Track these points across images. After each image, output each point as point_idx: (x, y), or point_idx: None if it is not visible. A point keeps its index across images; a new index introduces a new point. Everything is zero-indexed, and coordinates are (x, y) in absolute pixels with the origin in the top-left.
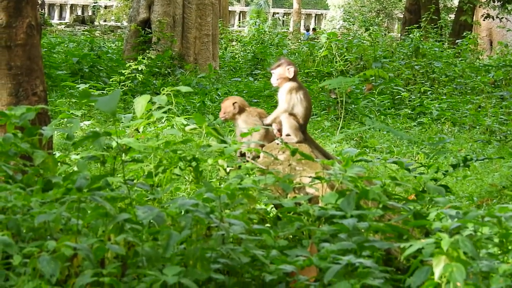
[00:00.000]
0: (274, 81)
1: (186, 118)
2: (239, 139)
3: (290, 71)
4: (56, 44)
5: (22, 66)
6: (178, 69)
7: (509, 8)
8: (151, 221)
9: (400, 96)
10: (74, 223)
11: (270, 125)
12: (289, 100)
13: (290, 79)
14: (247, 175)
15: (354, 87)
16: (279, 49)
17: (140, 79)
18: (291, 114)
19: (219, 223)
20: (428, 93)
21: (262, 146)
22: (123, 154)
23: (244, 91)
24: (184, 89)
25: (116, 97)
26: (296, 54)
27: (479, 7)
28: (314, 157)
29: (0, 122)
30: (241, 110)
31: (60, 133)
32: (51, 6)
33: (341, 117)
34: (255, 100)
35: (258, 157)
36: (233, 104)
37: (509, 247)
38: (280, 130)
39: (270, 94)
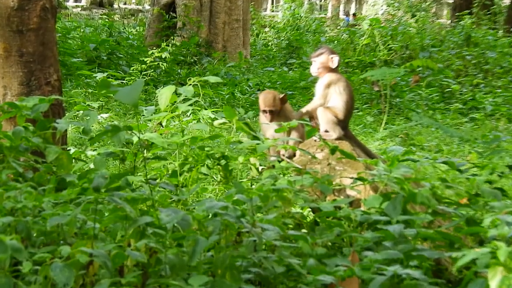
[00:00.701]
0: (314, 70)
1: (214, 111)
2: (270, 137)
3: (333, 61)
4: (72, 29)
5: (34, 53)
6: (205, 57)
7: None
8: (175, 225)
9: (450, 89)
10: (90, 227)
11: (303, 118)
12: (326, 93)
13: (331, 70)
14: (282, 175)
15: (399, 78)
16: (316, 36)
17: (163, 68)
18: (328, 108)
19: (251, 228)
20: (481, 86)
21: (299, 143)
22: (145, 151)
23: (278, 82)
24: (212, 79)
25: (138, 87)
26: (335, 42)
27: None
28: (355, 156)
29: (10, 114)
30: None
31: (75, 127)
32: None
33: (385, 112)
34: (290, 92)
35: (294, 155)
36: (280, 98)
37: None
38: (317, 126)
39: (306, 85)
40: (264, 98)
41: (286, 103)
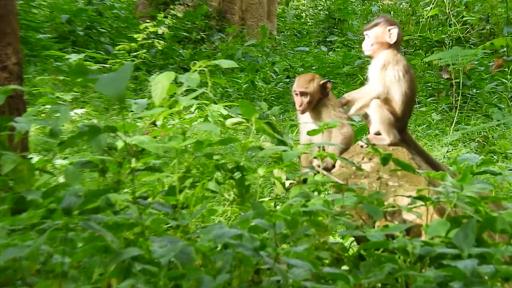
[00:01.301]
0: (367, 46)
1: (227, 106)
2: (306, 140)
3: (392, 34)
4: None
5: None
6: (217, 33)
7: None
8: (172, 260)
9: None
10: (58, 262)
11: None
12: (385, 77)
13: (390, 46)
14: (316, 193)
15: (476, 62)
16: (366, 5)
17: (160, 48)
18: (386, 100)
19: (273, 263)
20: None
21: (343, 151)
22: (134, 160)
23: (314, 67)
24: (225, 63)
25: (126, 74)
26: (392, 13)
27: None
28: (415, 167)
29: None
30: (326, 96)
31: (40, 127)
32: None
33: (456, 107)
34: (330, 80)
35: (333, 166)
36: (321, 84)
37: None
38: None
39: (352, 71)
40: (299, 78)
41: (328, 92)
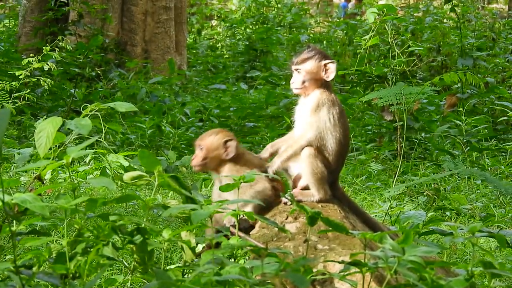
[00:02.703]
0: (297, 84)
1: (128, 156)
2: (217, 197)
3: (329, 70)
4: None
5: None
6: (115, 68)
7: None
8: None
9: (506, 118)
10: None
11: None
12: (318, 122)
13: (323, 84)
14: (232, 259)
15: (425, 101)
16: (294, 34)
17: (47, 87)
18: (317, 149)
19: None
20: None
21: (263, 210)
22: (14, 222)
23: (232, 108)
24: (123, 106)
25: (2, 121)
26: (324, 42)
27: None
28: (349, 228)
29: None
30: (236, 156)
31: None
32: None
33: (401, 155)
34: (251, 124)
35: (252, 227)
36: (226, 142)
37: None
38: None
39: (277, 112)
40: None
41: (231, 153)
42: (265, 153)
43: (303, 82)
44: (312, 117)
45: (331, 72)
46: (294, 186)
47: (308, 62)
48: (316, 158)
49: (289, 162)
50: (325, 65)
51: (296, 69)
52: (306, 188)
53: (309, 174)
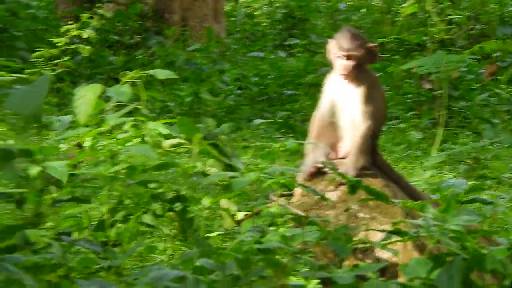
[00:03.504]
0: (346, 70)
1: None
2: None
3: (374, 54)
4: None
5: None
6: (154, 36)
7: None
8: None
9: None
10: None
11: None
12: (374, 108)
13: (367, 67)
14: (272, 227)
15: (464, 69)
16: (332, 2)
17: (85, 54)
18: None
19: None
20: None
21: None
22: (55, 189)
23: (270, 76)
24: (162, 73)
25: (41, 88)
26: (362, 10)
27: None
28: (390, 196)
29: None
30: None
31: None
32: None
33: (441, 124)
34: (289, 92)
35: (291, 194)
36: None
37: None
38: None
39: (315, 81)
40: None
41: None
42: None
43: (352, 68)
44: (367, 106)
45: (375, 55)
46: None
47: (356, 48)
48: (367, 136)
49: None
50: (370, 48)
51: (346, 55)
52: (346, 156)
53: (355, 148)
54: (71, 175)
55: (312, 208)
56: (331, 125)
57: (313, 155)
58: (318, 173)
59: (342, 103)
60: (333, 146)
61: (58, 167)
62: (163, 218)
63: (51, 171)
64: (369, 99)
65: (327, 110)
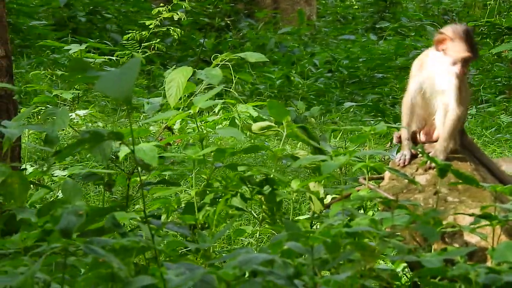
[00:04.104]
0: (463, 71)
1: (256, 107)
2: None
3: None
4: None
5: None
6: (245, 18)
7: None
8: None
9: None
10: None
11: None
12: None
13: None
14: (361, 210)
15: None
16: None
17: (176, 37)
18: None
19: None
20: None
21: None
22: (144, 172)
23: (361, 59)
24: (253, 56)
25: (132, 71)
26: None
27: None
28: (479, 180)
29: None
30: None
31: (34, 133)
32: None
33: None
34: (380, 75)
35: (380, 178)
36: None
37: None
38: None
39: (405, 64)
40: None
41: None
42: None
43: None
44: (462, 92)
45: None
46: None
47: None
48: (459, 121)
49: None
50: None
51: (468, 60)
52: (436, 139)
53: (446, 132)
54: (160, 157)
55: (401, 192)
56: (421, 109)
57: (406, 142)
58: (411, 159)
59: (437, 88)
60: (423, 129)
61: (148, 150)
62: (252, 201)
63: (141, 154)
64: (463, 85)
65: (418, 93)
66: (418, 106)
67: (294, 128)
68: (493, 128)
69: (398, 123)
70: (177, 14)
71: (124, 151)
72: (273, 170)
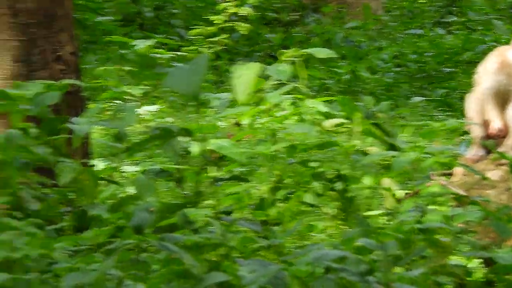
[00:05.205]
0: None
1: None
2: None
3: None
4: None
5: (36, 10)
6: (311, 13)
7: None
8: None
9: None
10: None
11: None
12: None
13: None
14: (433, 207)
15: None
16: None
17: (243, 32)
18: None
19: None
20: None
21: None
22: (215, 168)
23: (429, 53)
24: (322, 52)
25: (201, 66)
26: None
27: None
28: None
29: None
30: None
31: (103, 129)
32: None
33: None
34: (447, 70)
35: (451, 173)
36: None
37: None
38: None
39: (473, 58)
40: None
41: None
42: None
43: None
44: None
45: None
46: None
47: None
48: None
49: None
50: None
51: None
52: (505, 135)
53: None
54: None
55: (473, 188)
56: (493, 105)
57: (477, 138)
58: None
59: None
60: (493, 125)
61: (230, 147)
62: (324, 197)
63: (223, 151)
64: None
65: (492, 91)
66: (489, 102)
67: (368, 124)
68: None
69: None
70: (244, 9)
71: (198, 146)
72: (344, 166)
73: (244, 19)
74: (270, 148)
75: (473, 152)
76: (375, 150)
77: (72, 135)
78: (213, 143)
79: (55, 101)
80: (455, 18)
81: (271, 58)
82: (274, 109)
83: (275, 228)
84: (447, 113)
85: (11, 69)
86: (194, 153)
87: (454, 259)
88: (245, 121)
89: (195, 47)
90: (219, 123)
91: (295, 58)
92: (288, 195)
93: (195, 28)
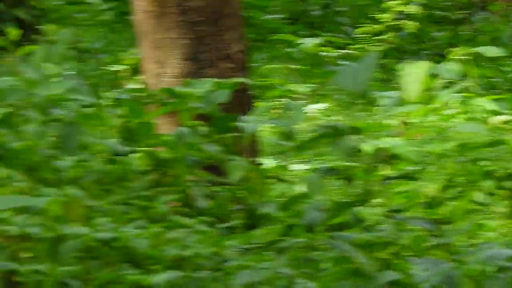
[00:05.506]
0: None
1: (494, 100)
2: None
3: None
4: None
5: (204, 8)
6: (480, 11)
7: None
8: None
9: None
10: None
11: None
12: None
13: None
14: None
15: None
16: None
17: (410, 30)
18: None
19: None
20: None
21: None
22: (386, 166)
23: None
24: (490, 51)
25: (370, 65)
26: None
27: None
28: None
29: (169, 108)
30: None
31: (271, 127)
32: None
33: None
34: None
35: None
36: None
37: None
38: None
39: None
40: None
41: None
42: None
43: None
44: None
45: None
46: None
47: None
48: None
49: None
50: None
51: None
52: None
53: None
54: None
55: None
56: None
57: None
58: None
59: None
60: None
61: (404, 146)
62: (496, 196)
63: (396, 149)
64: None
65: None
66: None
67: None
68: None
69: None
70: (411, 7)
71: (370, 145)
72: None
73: (413, 17)
74: (440, 147)
75: None
76: None
77: (241, 133)
78: (385, 141)
79: (225, 99)
80: None
81: (439, 57)
82: (442, 108)
83: (446, 226)
84: None
85: (181, 67)
86: (365, 151)
87: None
88: (413, 119)
89: (361, 45)
90: (387, 121)
91: (463, 56)
92: (458, 194)
93: (362, 26)
